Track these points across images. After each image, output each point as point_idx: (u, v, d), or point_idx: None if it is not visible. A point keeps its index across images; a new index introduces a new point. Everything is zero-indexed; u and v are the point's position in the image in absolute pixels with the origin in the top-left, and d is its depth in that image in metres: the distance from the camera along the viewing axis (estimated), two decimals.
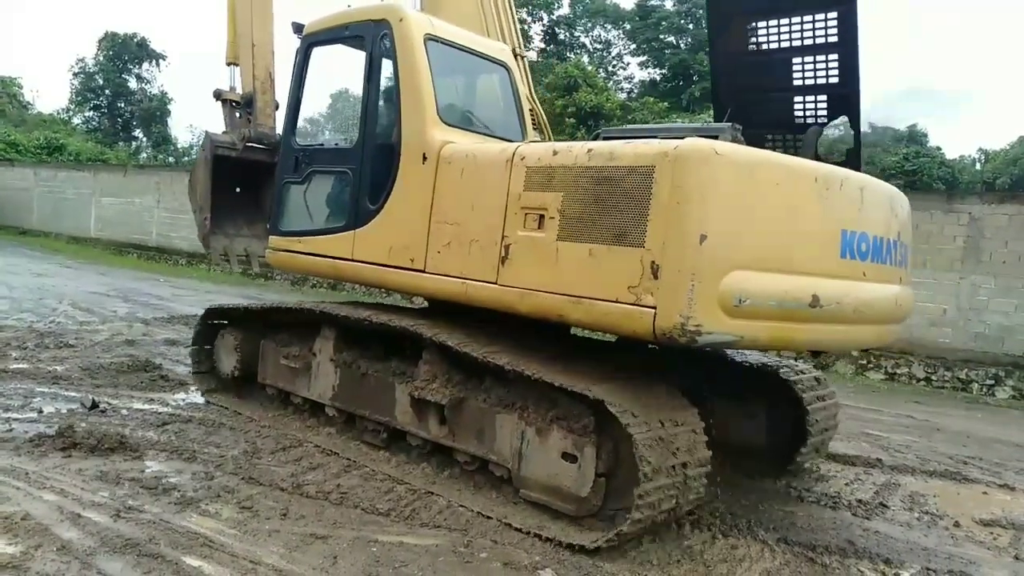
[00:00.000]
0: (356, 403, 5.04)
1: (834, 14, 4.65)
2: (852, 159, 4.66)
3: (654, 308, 3.39)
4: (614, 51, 41.57)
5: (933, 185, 22.12)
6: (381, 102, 5.06)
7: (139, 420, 5.21)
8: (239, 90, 7.12)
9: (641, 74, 40.01)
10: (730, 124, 4.12)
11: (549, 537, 3.74)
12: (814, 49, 4.79)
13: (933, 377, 10.66)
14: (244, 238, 7.40)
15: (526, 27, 37.52)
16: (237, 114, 7.27)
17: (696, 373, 4.88)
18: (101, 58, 44.00)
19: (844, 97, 4.83)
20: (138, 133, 45.78)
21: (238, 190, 7.19)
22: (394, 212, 4.75)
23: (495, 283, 4.09)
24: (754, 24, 5.01)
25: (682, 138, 3.53)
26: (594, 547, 3.59)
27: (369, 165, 4.96)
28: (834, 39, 4.70)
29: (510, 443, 4.12)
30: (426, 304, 5.35)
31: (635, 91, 37.88)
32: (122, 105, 44.65)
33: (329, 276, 5.81)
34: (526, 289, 3.94)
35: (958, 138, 59.49)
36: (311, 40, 5.53)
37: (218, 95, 7.44)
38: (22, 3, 69.32)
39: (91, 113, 44.97)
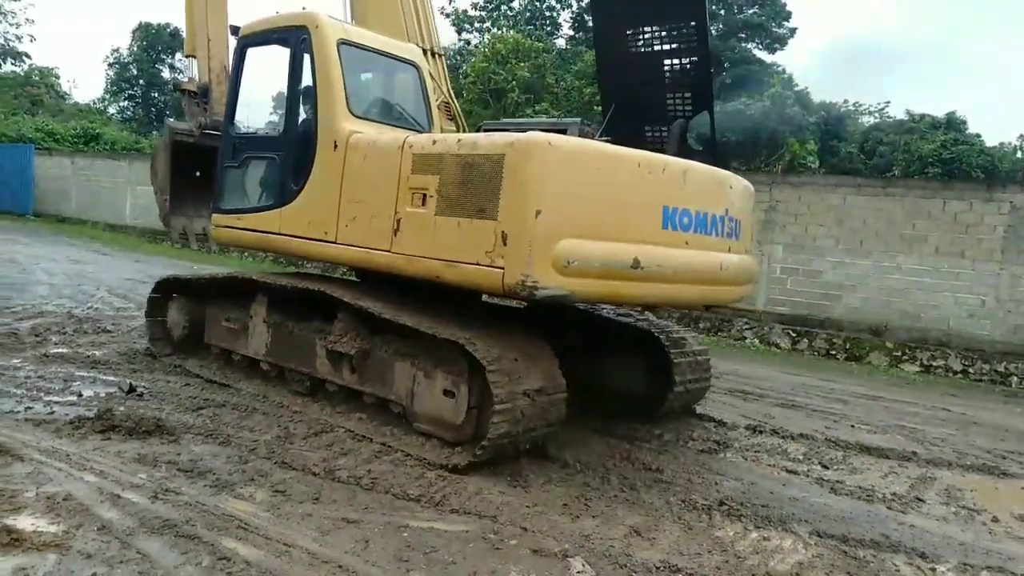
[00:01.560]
0: (285, 358, 5.79)
1: (692, 23, 5.55)
2: (707, 146, 5.47)
3: (503, 269, 4.18)
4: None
5: (972, 174, 21.59)
6: (302, 97, 5.76)
7: (175, 404, 5.30)
8: (197, 80, 7.58)
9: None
10: (579, 120, 5.05)
11: (430, 460, 4.54)
12: (679, 52, 5.68)
13: (970, 370, 10.45)
14: (202, 219, 7.88)
15: (555, 15, 37.31)
16: (195, 103, 7.72)
17: (585, 335, 5.81)
18: (135, 48, 44.67)
19: (703, 94, 5.63)
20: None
21: (197, 174, 7.65)
22: (312, 192, 5.49)
23: (389, 251, 4.87)
24: (632, 29, 5.79)
25: (556, 132, 4.37)
26: (464, 465, 4.39)
27: (292, 151, 5.70)
28: (694, 43, 5.59)
29: (404, 385, 4.93)
30: (352, 275, 6.23)
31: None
32: (155, 95, 45.30)
33: (261, 248, 6.54)
34: (413, 256, 4.72)
35: (998, 124, 57.97)
36: (245, 41, 6.28)
37: (176, 85, 7.96)
38: None
39: (126, 103, 45.74)
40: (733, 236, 5.07)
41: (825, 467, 5.39)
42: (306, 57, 5.67)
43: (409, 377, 4.93)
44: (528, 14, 36.75)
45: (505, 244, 4.17)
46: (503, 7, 36.63)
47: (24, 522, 3.30)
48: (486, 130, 5.31)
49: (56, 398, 5.21)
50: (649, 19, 5.75)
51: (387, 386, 5.10)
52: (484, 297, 5.71)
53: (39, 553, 3.06)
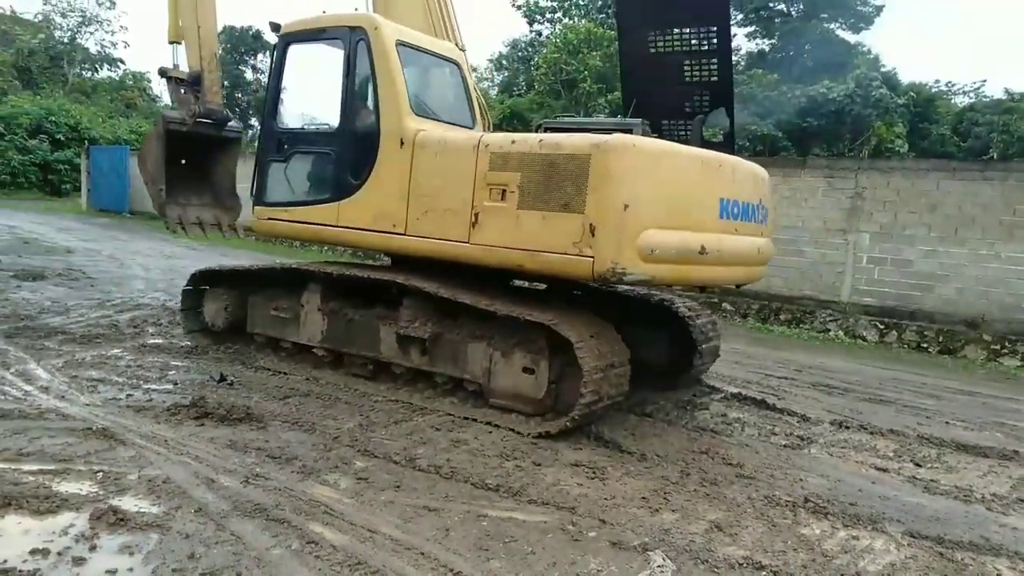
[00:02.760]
0: (344, 343, 6.04)
1: (714, 28, 5.95)
2: (728, 140, 6.02)
3: (592, 258, 4.61)
4: None
5: None
6: (359, 95, 5.95)
7: (262, 393, 5.51)
8: (184, 68, 7.60)
9: (749, 45, 38.35)
10: (640, 120, 5.56)
11: (518, 430, 4.98)
12: (699, 54, 6.13)
13: None
14: (194, 207, 8.00)
15: None
16: (182, 91, 7.72)
17: (610, 311, 5.94)
18: (219, 51, 46.43)
19: (722, 93, 6.14)
20: (254, 121, 48.16)
21: (183, 162, 7.82)
22: (376, 186, 5.70)
23: (467, 242, 5.17)
24: (653, 32, 6.22)
25: (609, 132, 4.79)
26: (557, 432, 4.87)
27: (350, 147, 5.90)
28: (714, 47, 6.01)
29: (481, 365, 5.33)
30: (389, 261, 6.56)
31: (742, 63, 36.39)
32: (239, 95, 47.03)
33: (311, 240, 6.65)
34: (493, 247, 5.05)
35: None
36: (289, 38, 6.35)
37: (163, 72, 7.86)
38: (151, 4, 73.99)
39: None
40: (764, 222, 5.68)
41: (918, 465, 5.15)
42: (361, 56, 5.82)
43: (485, 357, 5.31)
44: (600, 2, 36.31)
45: (594, 235, 4.60)
46: None
47: (128, 503, 3.50)
48: (546, 128, 5.57)
49: (154, 386, 5.50)
50: (671, 23, 6.16)
51: (460, 366, 5.48)
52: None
53: (142, 532, 3.24)
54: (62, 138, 30.65)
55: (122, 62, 45.11)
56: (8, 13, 42.47)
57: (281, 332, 6.47)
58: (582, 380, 4.75)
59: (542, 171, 4.82)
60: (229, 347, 6.69)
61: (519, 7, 37.54)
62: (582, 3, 36.60)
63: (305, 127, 6.85)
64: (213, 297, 6.89)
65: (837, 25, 34.30)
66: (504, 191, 4.97)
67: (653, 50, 6.25)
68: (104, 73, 45.37)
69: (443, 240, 5.30)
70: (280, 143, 6.40)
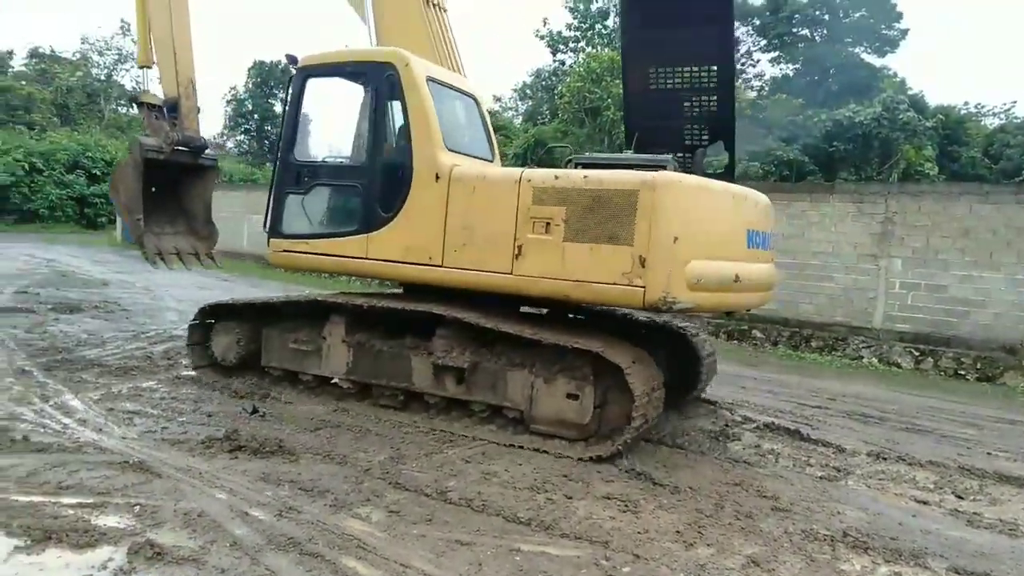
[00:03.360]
0: (372, 375, 6.04)
1: (714, 67, 6.26)
2: (728, 172, 6.12)
3: (643, 287, 4.88)
4: (742, 48, 40.13)
5: None
6: (387, 129, 6.02)
7: (294, 425, 5.55)
8: (156, 93, 7.46)
9: (772, 71, 38.39)
10: (671, 156, 5.66)
11: (566, 455, 5.11)
12: (699, 91, 6.32)
13: None
14: (169, 236, 7.74)
15: None
16: (155, 116, 7.55)
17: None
18: (250, 85, 47.56)
19: (722, 127, 6.32)
20: None
21: (153, 190, 7.54)
22: (408, 219, 5.78)
23: (511, 273, 5.33)
24: (654, 69, 6.44)
25: (655, 167, 5.17)
26: (608, 455, 5.02)
27: (379, 181, 5.94)
28: (714, 84, 6.27)
29: (522, 392, 5.42)
30: (400, 289, 6.65)
31: (766, 88, 36.38)
32: (269, 128, 48.01)
33: (335, 271, 6.64)
34: (538, 277, 5.24)
35: None
36: (308, 72, 6.35)
37: (134, 98, 7.75)
38: None
39: (242, 137, 48.70)
40: (772, 249, 5.99)
41: (960, 497, 5.03)
42: (390, 92, 5.88)
43: (526, 384, 5.42)
44: None
45: (643, 266, 4.88)
46: (597, 26, 36.71)
47: (165, 536, 3.54)
48: (577, 163, 5.72)
49: (188, 418, 5.56)
50: (673, 61, 6.40)
51: (499, 394, 5.56)
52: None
53: (179, 566, 3.27)
54: (98, 173, 31.49)
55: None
56: (48, 52, 43.97)
57: (301, 365, 6.42)
58: (633, 404, 4.95)
59: (588, 205, 5.07)
60: (245, 381, 6.56)
61: (542, 37, 38.01)
62: (604, 32, 36.97)
63: (327, 160, 6.83)
64: (223, 331, 6.75)
65: (862, 49, 34.24)
66: (548, 224, 5.19)
67: (654, 86, 6.46)
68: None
69: (484, 271, 5.44)
70: (299, 175, 6.35)
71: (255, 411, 5.76)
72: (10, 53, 40.97)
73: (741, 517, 4.30)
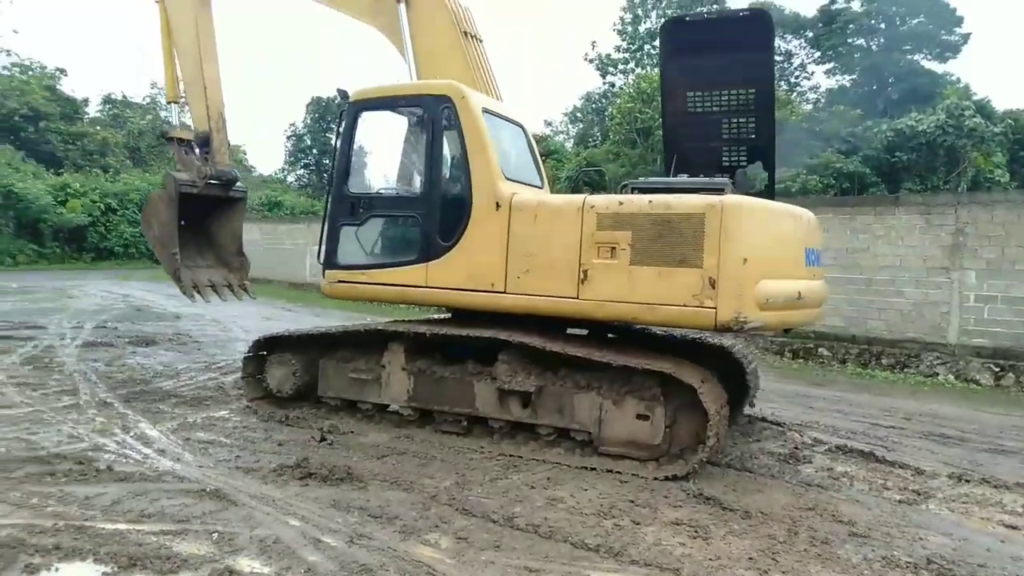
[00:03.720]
0: (433, 401, 6.12)
1: (752, 90, 6.39)
2: (768, 191, 6.13)
3: (714, 308, 5.01)
4: (796, 61, 39.53)
5: None
6: (444, 161, 6.14)
7: (361, 452, 5.64)
8: (180, 126, 7.48)
9: (828, 82, 37.67)
10: (728, 179, 5.88)
11: (639, 474, 5.20)
12: (737, 113, 6.46)
13: None
14: (202, 269, 7.76)
15: None
16: (185, 151, 7.56)
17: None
18: (308, 121, 49.10)
19: (760, 148, 6.51)
20: None
21: (183, 223, 7.58)
22: (469, 248, 5.89)
23: (576, 298, 5.46)
24: (693, 93, 6.60)
25: (716, 191, 5.44)
26: (684, 474, 5.13)
27: (438, 211, 6.04)
28: (752, 107, 6.42)
29: (590, 414, 5.52)
30: (449, 314, 6.77)
31: (822, 101, 35.69)
32: (327, 161, 49.37)
33: (394, 301, 6.61)
34: (605, 301, 5.36)
35: None
36: (360, 106, 6.48)
37: (164, 133, 7.71)
38: (244, 81, 79.45)
39: (302, 171, 50.19)
40: (822, 266, 6.12)
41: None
42: (447, 124, 6.02)
43: (595, 406, 5.50)
44: None
45: (714, 288, 5.00)
46: (646, 47, 36.73)
47: (242, 563, 3.64)
48: (632, 188, 5.91)
49: (259, 447, 5.71)
50: (711, 85, 6.53)
51: (567, 417, 5.64)
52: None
53: None
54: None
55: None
56: (120, 98, 46.31)
57: (360, 394, 6.50)
58: (707, 422, 5.06)
59: (654, 229, 5.22)
60: (303, 412, 6.60)
61: (591, 60, 38.24)
62: (654, 52, 36.94)
63: (382, 191, 6.87)
64: (278, 363, 6.80)
65: (921, 56, 33.31)
66: (614, 248, 5.33)
67: (692, 109, 6.58)
68: None
69: (548, 296, 5.56)
70: (354, 207, 6.42)
71: (323, 439, 5.88)
72: (86, 101, 43.28)
73: (817, 543, 4.18)
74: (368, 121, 6.59)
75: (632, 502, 4.74)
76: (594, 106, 40.08)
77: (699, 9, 35.31)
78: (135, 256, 31.54)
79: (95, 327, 12.44)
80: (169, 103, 7.92)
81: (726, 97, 6.54)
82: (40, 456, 5.17)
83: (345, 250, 6.51)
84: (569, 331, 6.31)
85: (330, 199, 6.61)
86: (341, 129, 6.61)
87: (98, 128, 40.70)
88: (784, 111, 26.88)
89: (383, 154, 7.38)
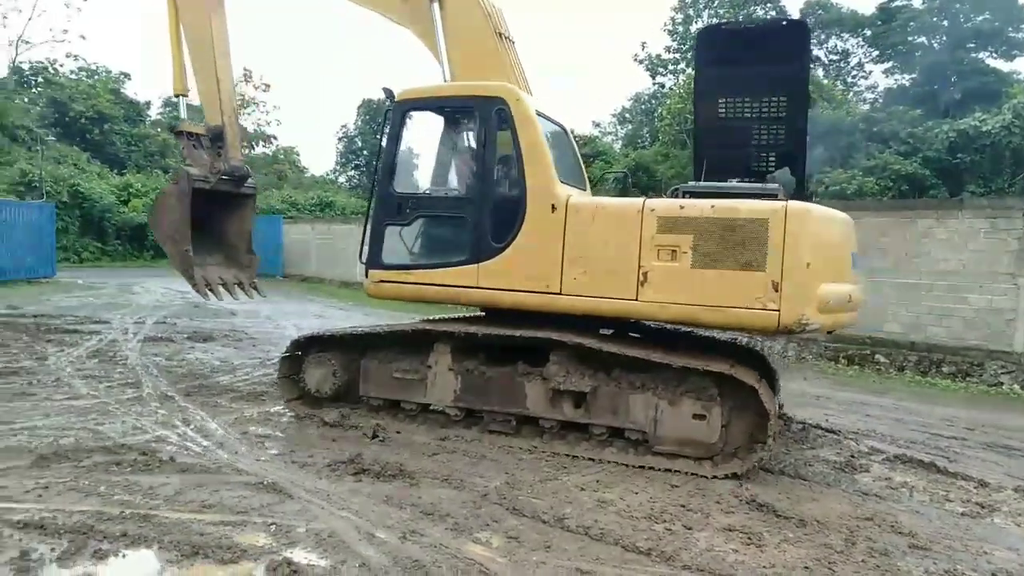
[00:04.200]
0: (481, 401, 6.13)
1: (784, 97, 6.50)
2: (798, 197, 5.97)
3: (778, 311, 5.15)
4: (853, 60, 38.56)
5: None
6: (496, 162, 6.09)
7: (411, 450, 5.71)
8: (189, 120, 7.31)
9: (887, 82, 36.62)
10: (778, 185, 5.91)
11: (697, 473, 5.32)
12: (769, 120, 6.57)
13: None
14: (212, 267, 7.54)
15: None
16: (193, 145, 7.39)
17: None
18: (359, 123, 49.87)
19: (790, 154, 6.58)
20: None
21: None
22: (523, 249, 5.92)
23: (636, 300, 5.55)
24: (724, 100, 6.69)
25: (767, 196, 5.58)
26: (744, 471, 5.25)
27: (490, 212, 6.05)
28: (783, 114, 6.53)
29: (645, 414, 5.58)
30: (482, 312, 6.80)
31: (879, 100, 34.70)
32: (375, 163, 50.09)
33: (440, 301, 6.53)
34: (666, 303, 5.46)
35: None
36: (408, 106, 6.49)
37: (173, 128, 7.41)
38: (298, 85, 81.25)
39: (353, 172, 51.00)
40: (861, 270, 6.25)
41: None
42: (499, 126, 6.04)
43: (650, 406, 5.57)
44: None
45: (777, 291, 5.13)
46: None
47: (299, 555, 3.72)
48: (684, 192, 5.94)
49: (313, 442, 5.83)
50: (744, 92, 6.62)
51: (620, 417, 5.69)
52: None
53: None
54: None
55: (275, 138, 49.41)
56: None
57: (404, 394, 6.44)
58: (767, 422, 5.18)
59: (717, 233, 5.31)
60: (344, 412, 6.48)
61: (641, 61, 37.94)
62: None
63: (431, 192, 6.85)
64: (317, 363, 6.65)
65: (987, 54, 32.11)
66: (675, 251, 5.42)
67: (723, 115, 6.67)
68: (259, 149, 49.79)
69: (606, 298, 5.63)
70: (400, 207, 6.38)
71: (375, 435, 5.97)
72: (148, 104, 44.75)
73: (875, 554, 4.08)
74: (416, 121, 6.62)
75: (683, 507, 4.70)
76: (643, 107, 39.76)
77: (751, 9, 34.78)
78: None
79: (156, 322, 12.87)
80: (176, 96, 7.79)
81: (758, 104, 6.65)
82: (107, 446, 5.37)
83: (390, 250, 6.48)
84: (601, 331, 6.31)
85: (374, 199, 6.57)
86: (387, 129, 6.60)
87: (159, 130, 42.00)
88: (840, 111, 26.27)
89: (430, 154, 7.34)
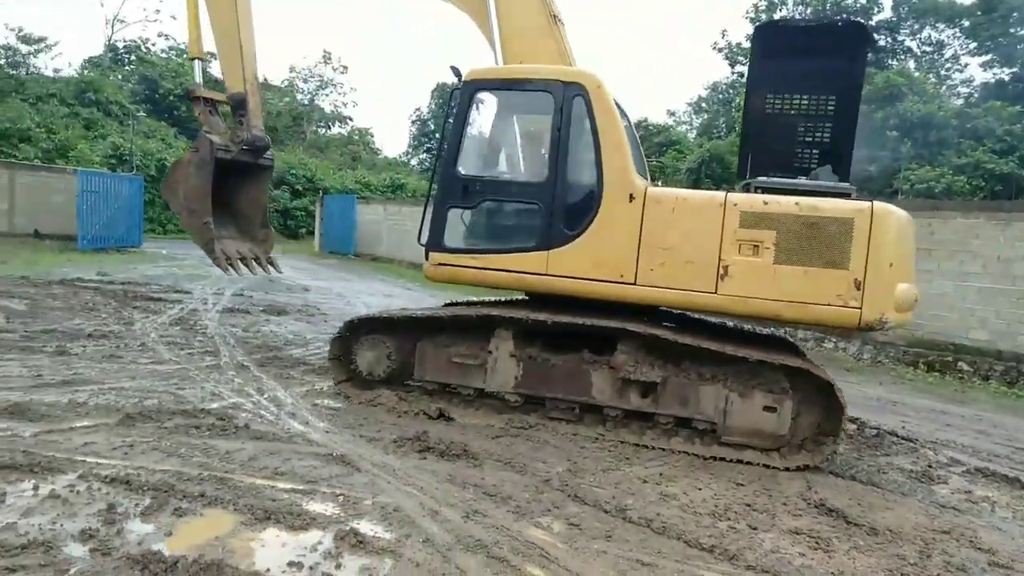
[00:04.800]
0: (544, 388, 6.07)
1: (834, 97, 6.43)
2: (842, 196, 5.83)
3: (859, 308, 5.27)
4: (947, 52, 36.66)
5: None
6: (572, 149, 6.01)
7: (476, 431, 5.78)
8: (205, 85, 6.97)
9: (984, 75, 34.67)
10: (849, 184, 5.92)
11: (765, 464, 5.44)
12: (815, 118, 6.54)
13: None
14: (228, 240, 7.21)
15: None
16: (209, 111, 7.09)
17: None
18: (432, 106, 50.34)
19: (834, 153, 6.47)
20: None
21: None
22: (597, 238, 5.88)
23: (715, 293, 5.58)
24: (774, 95, 6.61)
25: (842, 195, 5.64)
26: (818, 464, 5.40)
27: (564, 198, 6.00)
28: (832, 112, 6.43)
29: (714, 405, 5.63)
30: (525, 296, 6.71)
31: (975, 95, 32.90)
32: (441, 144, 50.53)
33: (508, 287, 6.37)
34: (746, 297, 5.50)
35: None
36: (477, 86, 6.35)
37: (189, 92, 6.97)
38: (374, 67, 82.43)
39: (424, 155, 51.60)
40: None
41: None
42: (576, 112, 5.95)
43: (720, 398, 5.62)
44: None
45: (859, 289, 5.26)
46: None
47: (365, 527, 3.82)
48: (756, 188, 5.89)
49: (381, 418, 5.96)
50: (794, 89, 6.60)
51: (689, 407, 5.73)
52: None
53: (378, 556, 3.52)
54: (300, 188, 34.72)
55: (350, 119, 50.40)
56: (262, 81, 49.21)
57: (462, 379, 6.33)
58: (842, 415, 5.33)
59: (801, 230, 5.39)
60: (400, 395, 6.41)
61: (720, 49, 37.03)
62: None
63: (500, 175, 6.74)
64: (371, 344, 6.53)
65: None
66: (757, 247, 5.48)
67: (770, 110, 6.65)
68: (335, 130, 50.91)
69: (683, 290, 5.65)
70: (466, 189, 6.26)
71: (441, 414, 6.05)
72: None
73: (952, 569, 3.91)
74: (486, 103, 6.49)
75: (748, 506, 4.61)
76: (721, 96, 38.85)
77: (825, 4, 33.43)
78: None
79: (233, 294, 13.37)
80: (192, 59, 7.39)
81: (806, 101, 6.65)
82: (187, 410, 5.62)
83: (453, 233, 6.37)
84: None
85: (438, 180, 6.46)
86: (454, 109, 6.45)
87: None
88: (931, 105, 25.05)
89: (499, 137, 7.22)
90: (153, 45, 43.11)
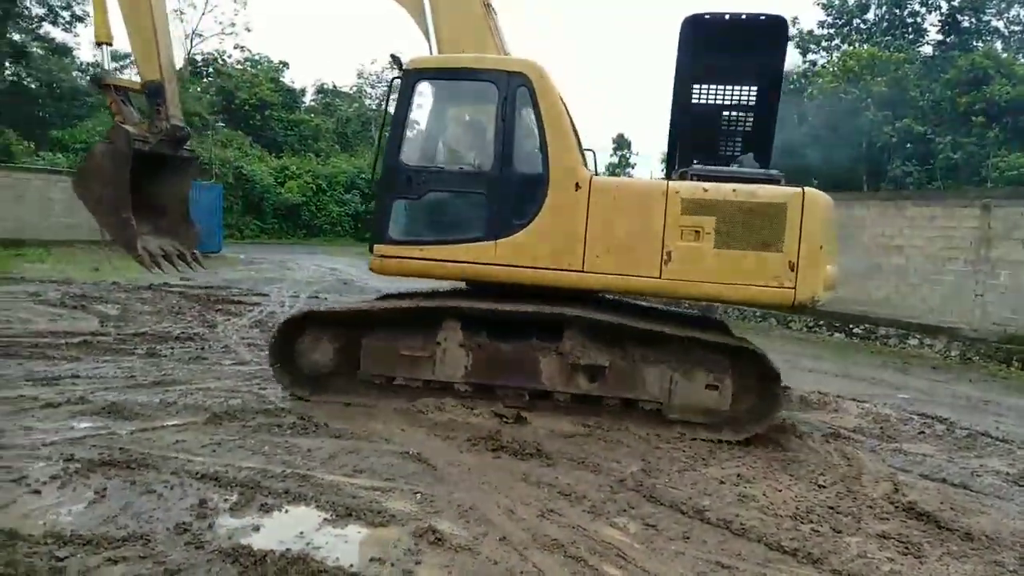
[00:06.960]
0: (493, 377, 6.15)
1: (755, 88, 6.89)
2: (772, 182, 6.00)
3: (793, 288, 5.61)
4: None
5: None
6: (516, 139, 6.01)
7: (547, 431, 5.78)
8: (115, 72, 6.47)
9: None
10: (778, 172, 6.13)
11: (710, 439, 5.72)
12: (738, 108, 6.99)
13: None
14: (151, 237, 6.82)
15: (918, 20, 33.25)
16: (122, 101, 6.74)
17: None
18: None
19: (756, 140, 6.92)
20: None
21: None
22: (543, 226, 5.95)
23: (659, 277, 5.80)
24: (699, 85, 6.94)
25: (770, 181, 5.91)
26: (752, 435, 5.72)
27: (510, 188, 6.01)
28: (754, 103, 6.94)
29: (659, 386, 5.93)
30: (464, 286, 6.73)
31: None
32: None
33: (451, 277, 6.33)
34: (689, 281, 5.76)
35: None
36: (419, 75, 6.22)
37: (98, 80, 6.58)
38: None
39: None
40: None
41: None
42: (521, 102, 5.96)
43: (664, 378, 5.92)
44: (885, 24, 33.38)
45: (792, 271, 5.60)
46: (855, 21, 33.84)
47: (443, 524, 3.88)
48: (692, 175, 6.02)
49: (455, 417, 6.02)
50: (718, 80, 6.87)
51: (635, 389, 6.01)
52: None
53: (456, 553, 3.57)
54: (369, 192, 35.45)
55: (417, 123, 51.12)
56: (331, 87, 50.40)
57: (411, 372, 6.25)
58: (783, 387, 5.85)
59: (739, 216, 5.66)
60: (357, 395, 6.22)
61: (791, 38, 35.86)
62: (864, 27, 33.97)
63: (445, 166, 6.60)
64: (312, 344, 6.28)
65: None
66: (698, 232, 5.72)
67: (697, 100, 6.91)
68: None
69: (629, 275, 5.85)
70: (409, 180, 6.12)
71: (519, 419, 6.02)
72: (303, 91, 47.53)
73: None
74: (424, 92, 6.37)
75: (832, 508, 4.48)
76: (791, 86, 37.62)
77: None
78: (340, 233, 34.38)
79: (308, 297, 13.76)
80: (99, 44, 6.88)
81: (730, 92, 6.94)
82: (269, 409, 5.82)
83: (397, 225, 6.24)
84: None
85: (381, 171, 6.28)
86: (394, 99, 6.28)
87: (312, 116, 44.59)
88: (1022, 87, 23.72)
89: (441, 127, 6.94)
90: (229, 57, 44.73)
